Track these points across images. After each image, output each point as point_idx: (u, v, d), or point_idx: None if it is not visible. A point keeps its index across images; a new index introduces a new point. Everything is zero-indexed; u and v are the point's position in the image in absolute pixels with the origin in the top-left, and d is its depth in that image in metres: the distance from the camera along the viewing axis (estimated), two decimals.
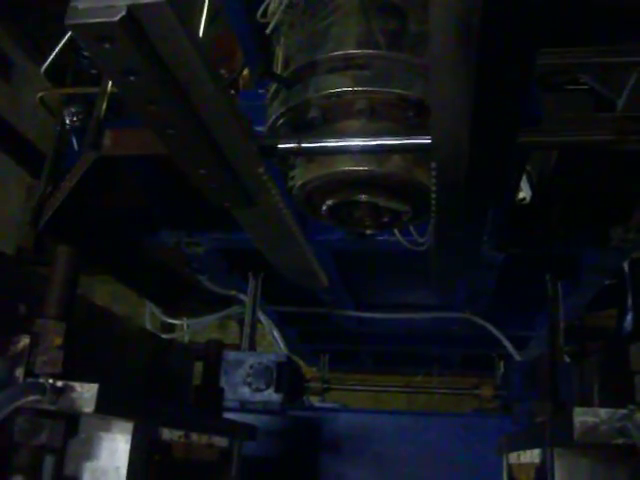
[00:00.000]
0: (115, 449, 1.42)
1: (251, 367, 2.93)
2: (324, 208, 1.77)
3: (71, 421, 1.38)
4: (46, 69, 2.78)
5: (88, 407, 1.27)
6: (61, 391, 1.28)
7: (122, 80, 1.14)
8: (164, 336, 4.04)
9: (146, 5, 1.01)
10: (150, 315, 4.02)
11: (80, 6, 1.03)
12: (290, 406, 3.07)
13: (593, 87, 2.09)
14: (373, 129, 1.61)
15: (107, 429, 1.43)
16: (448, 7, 0.98)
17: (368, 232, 1.91)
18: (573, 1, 1.66)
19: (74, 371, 1.36)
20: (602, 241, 2.59)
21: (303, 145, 1.53)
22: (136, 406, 1.48)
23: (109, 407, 1.33)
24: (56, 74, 2.84)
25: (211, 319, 4.06)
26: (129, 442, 1.41)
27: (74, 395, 1.29)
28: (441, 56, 1.08)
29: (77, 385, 1.29)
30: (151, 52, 1.09)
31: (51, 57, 2.77)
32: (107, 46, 1.06)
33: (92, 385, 1.28)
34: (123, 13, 1.01)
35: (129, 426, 1.42)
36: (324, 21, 1.73)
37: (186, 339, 4.21)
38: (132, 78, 1.13)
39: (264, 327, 3.91)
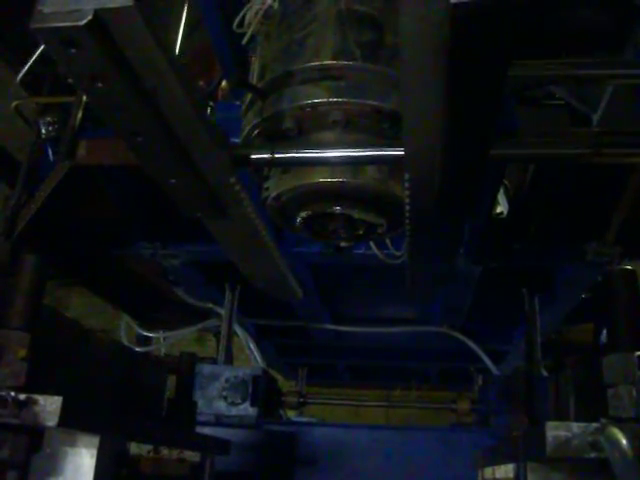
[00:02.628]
0: (80, 464, 1.38)
1: (227, 381, 2.90)
2: (298, 220, 1.75)
3: (35, 435, 1.34)
4: (22, 78, 2.75)
5: (51, 421, 1.23)
6: (24, 404, 1.24)
7: (89, 86, 1.12)
8: (140, 349, 4.00)
9: (113, 9, 0.99)
10: (126, 327, 3.97)
11: (46, 10, 1.01)
12: (266, 420, 3.04)
13: (569, 102, 2.11)
14: (348, 140, 1.60)
15: (72, 443, 1.38)
16: (417, 17, 0.97)
17: (343, 245, 1.89)
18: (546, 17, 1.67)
19: (39, 384, 1.32)
20: (578, 255, 2.60)
21: (276, 156, 1.52)
22: (102, 420, 1.44)
23: (73, 421, 1.29)
24: (33, 83, 2.80)
25: (187, 332, 4.02)
26: (95, 457, 1.37)
27: (37, 408, 1.24)
28: (411, 66, 1.07)
29: (40, 398, 1.25)
30: (118, 58, 1.08)
31: (27, 65, 2.73)
32: (73, 51, 1.04)
33: (56, 398, 1.24)
34: (90, 17, 0.99)
35: (95, 440, 1.38)
36: (300, 32, 1.72)
37: (162, 352, 4.16)
38: (99, 84, 1.11)
39: (242, 340, 3.88)
